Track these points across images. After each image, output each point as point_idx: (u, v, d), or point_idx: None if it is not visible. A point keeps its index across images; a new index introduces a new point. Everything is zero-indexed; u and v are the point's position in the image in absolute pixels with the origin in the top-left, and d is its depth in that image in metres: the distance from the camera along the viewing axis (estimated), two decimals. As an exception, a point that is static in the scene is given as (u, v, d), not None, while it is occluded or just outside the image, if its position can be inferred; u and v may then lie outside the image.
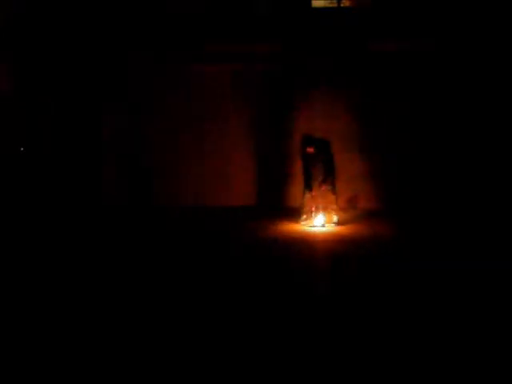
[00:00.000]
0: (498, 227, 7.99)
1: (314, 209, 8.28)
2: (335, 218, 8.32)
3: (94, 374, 3.64)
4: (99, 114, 9.89)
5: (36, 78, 9.66)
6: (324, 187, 8.21)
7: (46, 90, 9.72)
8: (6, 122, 9.56)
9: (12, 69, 9.63)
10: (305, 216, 8.36)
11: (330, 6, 9.93)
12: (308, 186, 8.31)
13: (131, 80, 9.83)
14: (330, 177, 8.25)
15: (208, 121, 9.91)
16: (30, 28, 9.47)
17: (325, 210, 8.26)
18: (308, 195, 8.31)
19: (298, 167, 8.75)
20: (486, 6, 9.17)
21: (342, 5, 9.93)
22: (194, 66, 9.76)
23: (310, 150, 8.24)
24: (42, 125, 9.77)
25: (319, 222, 8.26)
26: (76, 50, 9.62)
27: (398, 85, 9.74)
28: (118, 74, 9.81)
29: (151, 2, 9.61)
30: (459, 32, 9.35)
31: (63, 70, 9.70)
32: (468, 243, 7.12)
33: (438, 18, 9.31)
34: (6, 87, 9.56)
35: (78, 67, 9.71)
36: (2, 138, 9.53)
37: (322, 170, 8.19)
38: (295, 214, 8.59)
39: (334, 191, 8.32)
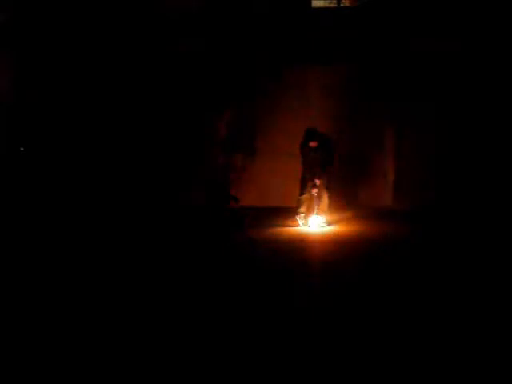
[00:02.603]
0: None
1: (309, 209, 8.25)
2: (326, 219, 8.28)
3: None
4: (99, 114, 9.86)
5: (37, 77, 9.67)
6: (319, 183, 8.11)
7: (47, 89, 9.73)
8: (6, 121, 9.58)
9: (13, 68, 9.65)
10: (302, 215, 8.33)
11: (330, 6, 9.92)
12: (304, 186, 8.26)
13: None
14: (325, 174, 8.14)
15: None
16: (31, 27, 9.50)
17: (321, 210, 8.22)
18: (304, 195, 8.27)
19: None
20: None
21: (341, 5, 9.91)
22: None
23: (313, 144, 8.08)
24: (42, 125, 9.77)
25: (315, 223, 8.21)
26: (78, 49, 9.63)
27: (400, 86, 9.69)
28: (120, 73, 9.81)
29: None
30: (459, 32, 9.30)
31: (64, 70, 9.70)
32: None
33: (438, 18, 9.27)
34: (6, 87, 9.57)
35: (79, 67, 9.71)
36: (1, 138, 9.55)
37: (320, 167, 8.07)
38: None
39: (330, 190, 8.28)
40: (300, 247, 7.10)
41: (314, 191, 8.17)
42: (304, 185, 8.27)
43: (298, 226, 8.29)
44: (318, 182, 8.11)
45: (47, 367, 3.64)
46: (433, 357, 3.69)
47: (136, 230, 8.04)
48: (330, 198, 8.32)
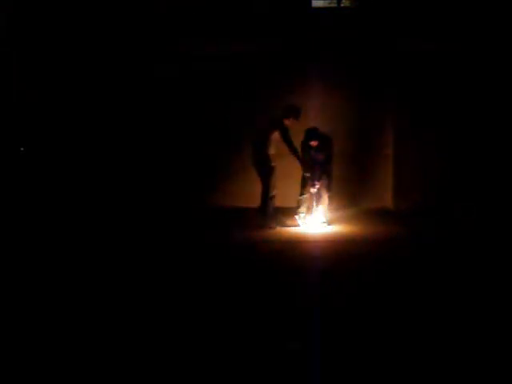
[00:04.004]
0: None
1: (309, 209, 8.24)
2: (326, 219, 8.28)
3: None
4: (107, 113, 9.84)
5: (37, 77, 9.67)
6: (319, 185, 8.11)
7: (47, 89, 9.72)
8: (6, 121, 9.58)
9: (13, 68, 9.65)
10: (301, 215, 8.32)
11: (330, 6, 9.91)
12: (304, 186, 8.25)
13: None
14: (325, 174, 8.14)
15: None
16: (31, 27, 9.50)
17: (320, 209, 8.21)
18: (304, 195, 8.26)
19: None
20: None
21: (342, 5, 9.91)
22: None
23: (314, 143, 8.07)
24: (42, 125, 9.77)
25: (315, 223, 8.20)
26: (78, 49, 9.62)
27: (400, 86, 9.68)
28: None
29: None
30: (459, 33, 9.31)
31: (64, 70, 9.70)
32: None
33: (438, 19, 9.27)
34: (7, 86, 9.58)
35: (79, 67, 9.70)
36: (1, 138, 9.55)
37: (320, 168, 8.06)
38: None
39: (329, 190, 8.26)
40: (299, 247, 7.09)
41: (314, 191, 8.17)
42: (304, 185, 8.27)
43: (298, 225, 8.29)
44: (317, 182, 8.10)
45: (47, 367, 3.64)
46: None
47: (134, 228, 8.06)
48: (329, 197, 8.32)
